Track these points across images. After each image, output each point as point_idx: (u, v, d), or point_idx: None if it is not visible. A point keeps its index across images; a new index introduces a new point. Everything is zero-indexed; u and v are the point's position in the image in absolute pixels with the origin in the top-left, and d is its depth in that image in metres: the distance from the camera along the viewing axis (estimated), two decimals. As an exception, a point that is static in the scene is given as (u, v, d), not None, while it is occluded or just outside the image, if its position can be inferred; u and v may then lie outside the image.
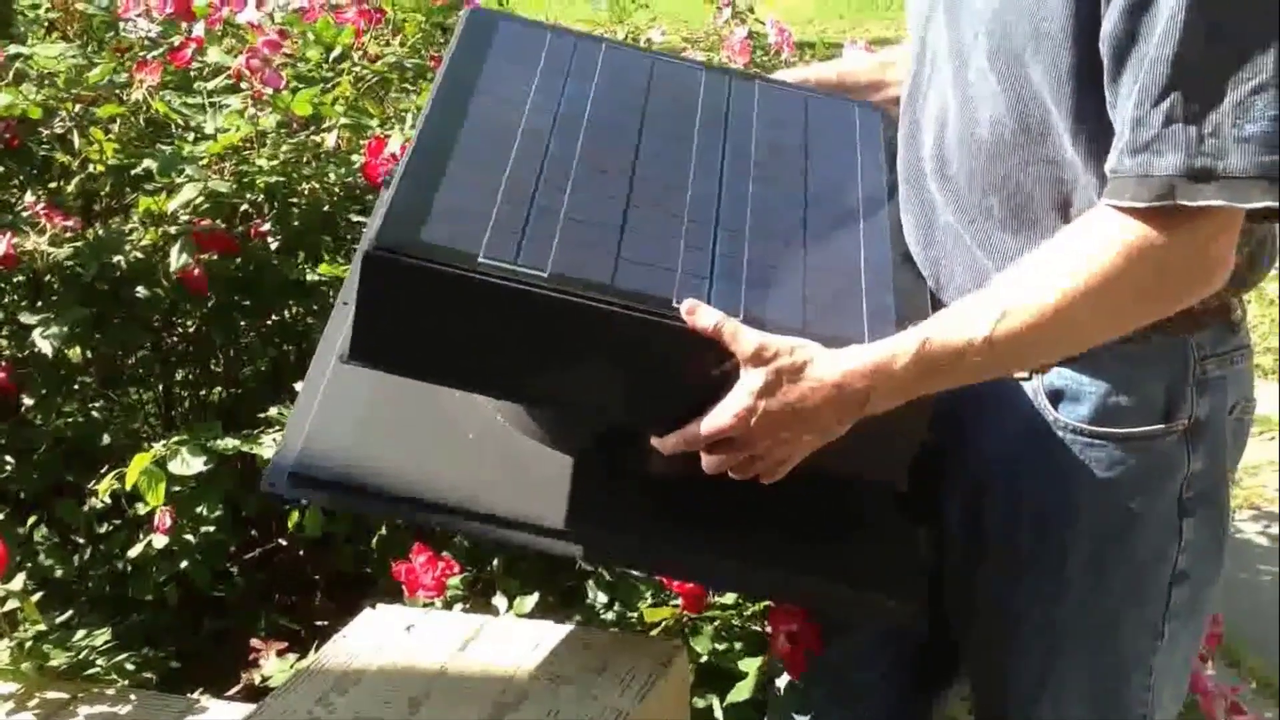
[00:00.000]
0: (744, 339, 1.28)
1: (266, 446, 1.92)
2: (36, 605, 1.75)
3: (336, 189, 2.25)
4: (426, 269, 1.25)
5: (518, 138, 1.42)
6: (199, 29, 2.47)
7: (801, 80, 1.74)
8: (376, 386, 1.41)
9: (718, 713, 1.80)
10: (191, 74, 2.39)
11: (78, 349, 2.22)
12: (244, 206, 2.21)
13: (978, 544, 1.52)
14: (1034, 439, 1.45)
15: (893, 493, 1.48)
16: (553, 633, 1.66)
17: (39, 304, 2.15)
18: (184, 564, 1.97)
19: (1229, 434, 1.48)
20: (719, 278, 1.35)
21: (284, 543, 2.19)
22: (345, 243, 2.31)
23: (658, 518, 1.46)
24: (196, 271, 2.09)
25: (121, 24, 2.57)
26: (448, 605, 1.79)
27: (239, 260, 2.22)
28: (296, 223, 2.24)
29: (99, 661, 1.80)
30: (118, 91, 2.26)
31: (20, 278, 2.16)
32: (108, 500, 1.99)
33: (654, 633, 1.77)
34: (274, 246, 2.25)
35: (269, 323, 2.38)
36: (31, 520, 2.14)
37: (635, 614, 1.82)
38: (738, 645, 1.81)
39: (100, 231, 2.19)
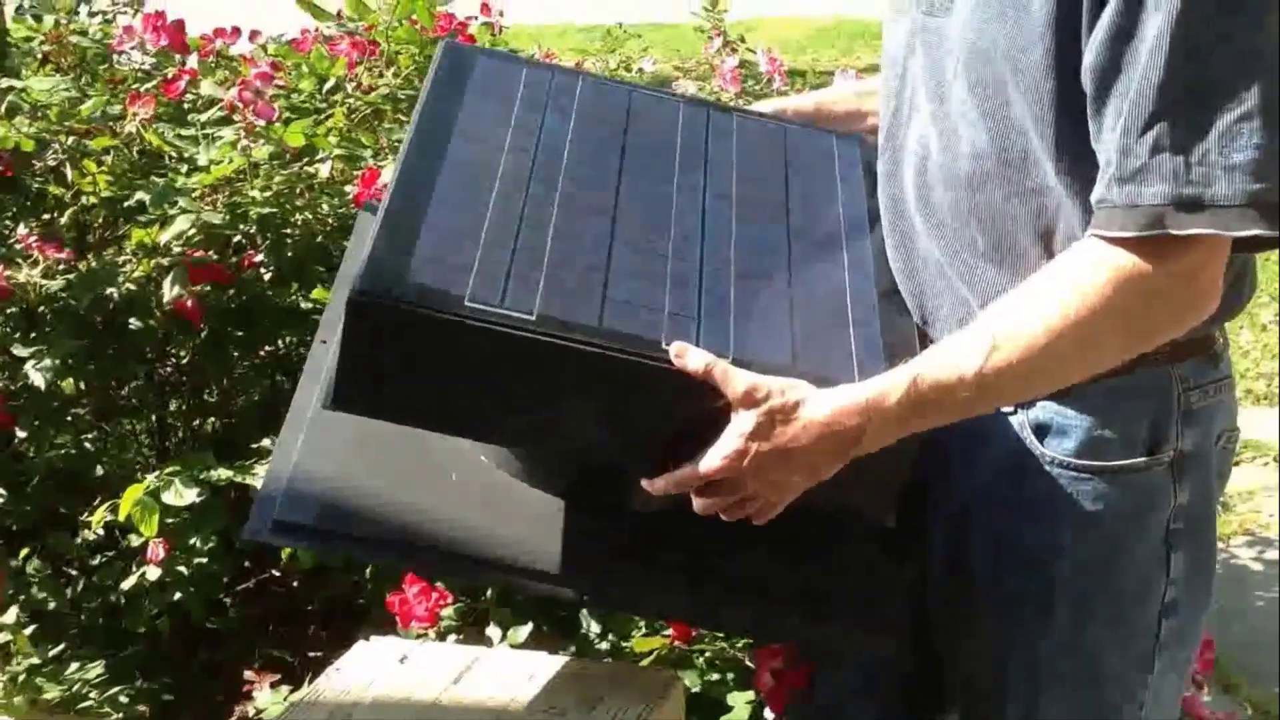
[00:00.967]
0: (734, 381, 1.27)
1: (260, 477, 1.92)
2: (29, 638, 1.74)
3: (330, 220, 2.25)
4: (413, 313, 1.23)
5: (498, 177, 1.41)
6: (192, 61, 2.48)
7: (779, 111, 1.73)
8: (358, 427, 1.39)
9: (710, 744, 1.79)
10: (185, 106, 2.40)
11: (71, 380, 2.22)
12: (237, 238, 2.21)
13: (962, 578, 1.51)
14: (1019, 473, 1.44)
15: (877, 526, 1.47)
16: (548, 664, 1.66)
17: (32, 336, 2.15)
18: (177, 595, 1.97)
19: (1214, 465, 1.47)
20: (706, 316, 1.34)
21: (277, 574, 2.19)
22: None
23: (641, 558, 1.45)
24: (189, 302, 2.10)
25: (115, 56, 2.58)
26: (441, 636, 1.78)
27: (232, 291, 2.22)
28: (290, 254, 2.24)
29: (92, 694, 1.80)
30: (111, 124, 2.27)
31: (13, 309, 2.16)
32: (101, 532, 1.99)
33: (646, 663, 1.77)
34: (267, 277, 2.26)
35: (262, 353, 2.38)
36: (25, 552, 2.14)
37: (629, 644, 1.81)
38: (730, 676, 1.81)
39: (93, 263, 2.20)
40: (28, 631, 1.75)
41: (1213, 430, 1.46)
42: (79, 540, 2.10)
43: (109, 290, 2.13)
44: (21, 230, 2.20)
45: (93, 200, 2.24)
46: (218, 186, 2.15)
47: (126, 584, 1.96)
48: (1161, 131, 1.23)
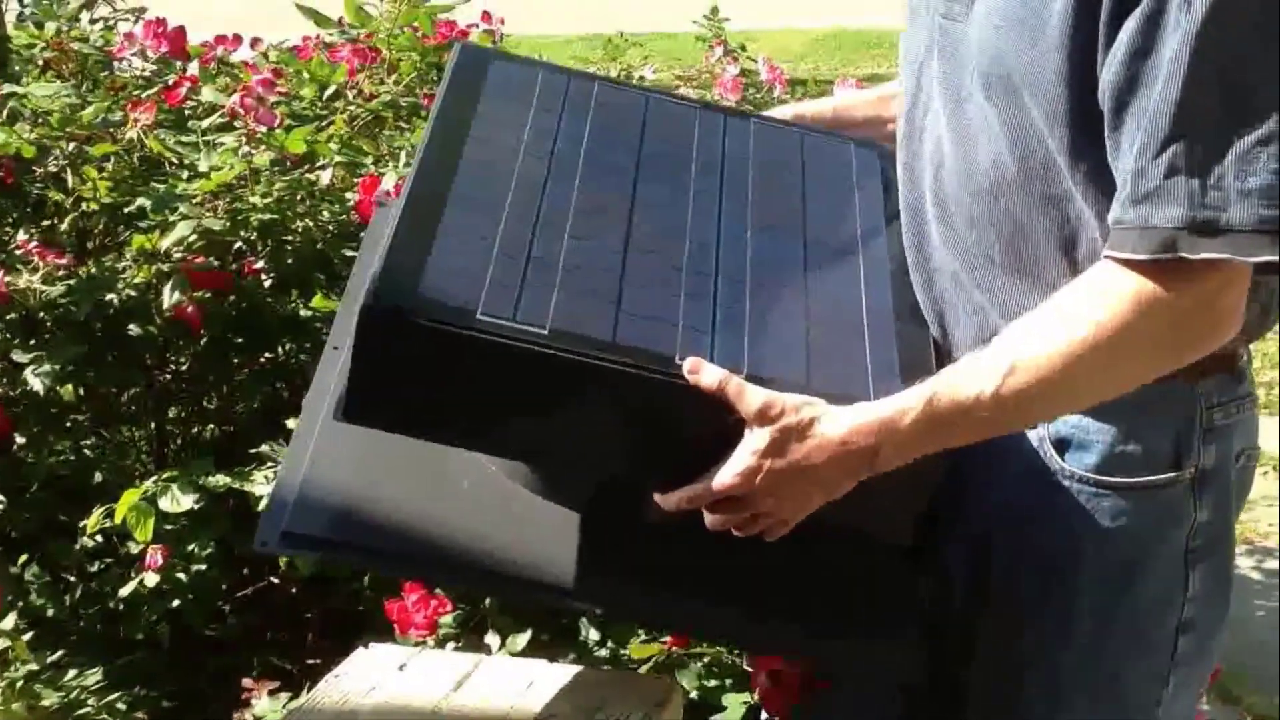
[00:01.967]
0: (749, 397, 1.26)
1: (259, 484, 1.92)
2: (28, 645, 1.74)
3: (330, 227, 2.25)
4: (425, 327, 1.22)
5: (513, 184, 1.40)
6: (193, 68, 2.48)
7: (796, 116, 1.71)
8: (368, 436, 1.37)
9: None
10: (185, 112, 2.40)
11: (70, 387, 2.22)
12: (237, 244, 2.21)
13: (980, 593, 1.48)
14: (1039, 487, 1.42)
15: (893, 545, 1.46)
16: (547, 672, 1.65)
17: (32, 342, 2.15)
18: (176, 602, 1.97)
19: (1234, 482, 1.46)
20: (721, 329, 1.32)
21: (276, 581, 2.19)
22: (339, 280, 2.31)
23: (655, 571, 1.43)
24: (190, 309, 2.10)
25: (116, 63, 2.59)
26: (440, 643, 1.78)
27: (232, 298, 2.22)
28: (290, 260, 2.24)
29: (90, 702, 1.79)
30: (112, 130, 2.27)
31: (13, 315, 2.16)
32: (100, 539, 1.98)
33: (643, 669, 1.76)
34: (267, 284, 2.25)
35: (262, 360, 2.38)
36: (23, 559, 2.13)
37: (628, 651, 1.81)
38: (727, 681, 1.80)
39: (93, 269, 2.20)
40: (26, 638, 1.74)
41: (1233, 448, 1.44)
42: (78, 547, 2.09)
43: (109, 296, 2.13)
44: (22, 236, 2.20)
45: (93, 206, 2.25)
46: (218, 193, 2.15)
47: (125, 591, 1.96)
48: (1177, 153, 1.21)
